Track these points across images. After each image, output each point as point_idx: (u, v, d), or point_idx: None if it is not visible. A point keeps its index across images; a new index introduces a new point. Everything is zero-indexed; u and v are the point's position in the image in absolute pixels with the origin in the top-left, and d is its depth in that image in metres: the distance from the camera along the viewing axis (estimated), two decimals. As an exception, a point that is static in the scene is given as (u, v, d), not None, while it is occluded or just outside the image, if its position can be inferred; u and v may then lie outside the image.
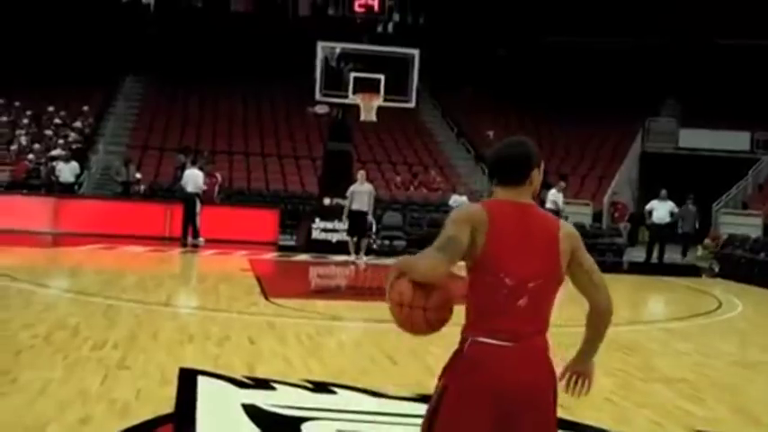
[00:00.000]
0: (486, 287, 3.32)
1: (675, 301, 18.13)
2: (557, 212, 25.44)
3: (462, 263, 3.38)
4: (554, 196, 23.76)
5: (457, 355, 3.35)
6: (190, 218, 21.86)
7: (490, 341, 3.28)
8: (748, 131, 34.28)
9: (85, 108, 30.39)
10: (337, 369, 8.24)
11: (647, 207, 25.30)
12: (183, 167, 23.33)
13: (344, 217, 20.39)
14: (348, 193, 19.92)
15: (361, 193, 19.82)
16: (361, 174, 20.67)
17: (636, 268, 23.21)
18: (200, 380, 7.50)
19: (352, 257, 20.15)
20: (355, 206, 19.73)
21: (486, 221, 3.33)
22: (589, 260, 3.55)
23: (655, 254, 24.57)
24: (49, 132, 28.45)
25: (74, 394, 6.80)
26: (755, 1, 35.95)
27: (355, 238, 20.24)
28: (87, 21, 35.81)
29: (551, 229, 3.45)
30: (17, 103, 30.27)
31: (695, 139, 34.22)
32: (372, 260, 20.91)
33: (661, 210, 24.69)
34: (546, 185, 29.22)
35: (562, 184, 24.67)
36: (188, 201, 21.85)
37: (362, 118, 24.20)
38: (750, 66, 36.41)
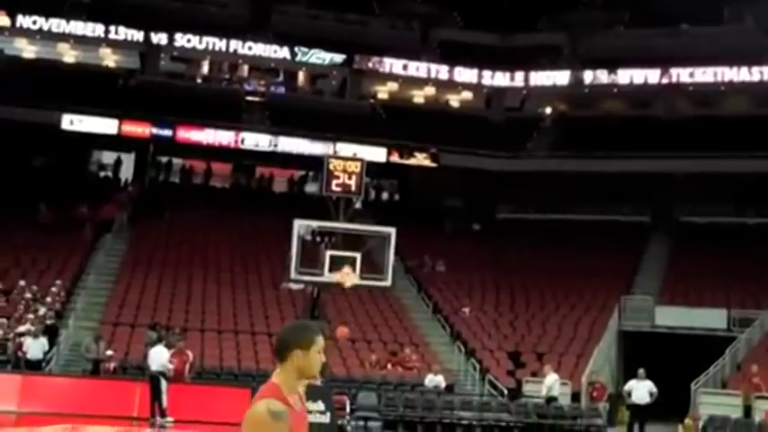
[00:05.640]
0: None
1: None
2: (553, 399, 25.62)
3: None
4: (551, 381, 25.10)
5: None
6: (155, 397, 21.33)
7: None
8: (725, 309, 34.25)
9: (58, 282, 30.12)
10: None
11: (626, 387, 25.16)
12: (153, 344, 22.93)
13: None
14: None
15: None
16: None
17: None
18: None
19: None
20: None
21: None
22: None
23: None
24: (19, 307, 28.06)
25: None
26: (720, 181, 37.03)
27: None
28: (64, 192, 36.04)
29: None
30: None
31: (671, 316, 34.09)
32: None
33: (640, 390, 24.54)
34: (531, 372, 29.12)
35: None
36: (153, 380, 21.37)
37: (340, 281, 24.02)
38: (722, 242, 36.84)
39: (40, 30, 39.89)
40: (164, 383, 21.31)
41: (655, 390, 24.62)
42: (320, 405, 18.24)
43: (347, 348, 29.16)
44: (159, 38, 41.03)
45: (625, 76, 41.82)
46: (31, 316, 27.34)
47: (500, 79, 43.97)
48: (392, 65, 43.09)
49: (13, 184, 35.42)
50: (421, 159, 41.95)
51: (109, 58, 42.91)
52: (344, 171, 25.43)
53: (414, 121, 41.94)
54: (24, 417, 21.43)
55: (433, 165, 41.84)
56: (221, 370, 26.92)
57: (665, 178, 40.10)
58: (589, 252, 37.24)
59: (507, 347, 31.61)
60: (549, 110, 45.49)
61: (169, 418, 21.22)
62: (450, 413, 24.75)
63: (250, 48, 41.89)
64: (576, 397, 28.87)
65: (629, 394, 24.81)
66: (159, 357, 21.67)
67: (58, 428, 19.38)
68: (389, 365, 28.76)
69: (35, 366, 24.27)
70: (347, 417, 22.77)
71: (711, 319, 33.89)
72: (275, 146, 41.02)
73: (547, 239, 38.32)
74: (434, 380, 26.26)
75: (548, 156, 42.04)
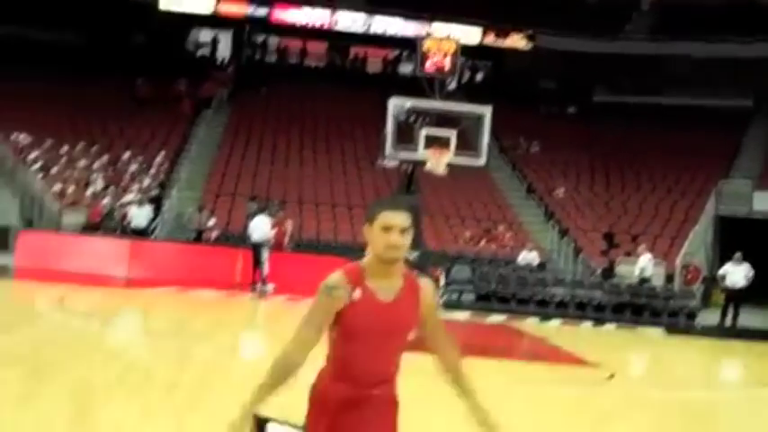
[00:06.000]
0: None
1: (752, 366, 17.69)
2: (646, 280, 25.71)
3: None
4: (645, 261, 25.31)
5: None
6: (257, 265, 21.99)
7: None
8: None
9: (162, 153, 31.01)
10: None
11: (721, 271, 24.85)
12: (253, 215, 23.51)
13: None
14: None
15: None
16: None
17: (710, 332, 22.74)
18: (270, 427, 7.46)
19: None
20: None
21: None
22: None
23: (729, 317, 24.13)
24: (125, 178, 28.98)
25: (147, 436, 6.86)
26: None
27: None
28: (162, 69, 36.59)
29: None
30: (95, 147, 30.91)
31: (770, 202, 33.48)
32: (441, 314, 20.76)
33: (735, 273, 24.20)
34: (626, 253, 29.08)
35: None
36: (255, 248, 21.99)
37: (430, 169, 24.29)
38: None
39: None
40: (265, 252, 21.91)
41: (751, 273, 24.33)
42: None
43: (441, 224, 29.49)
44: None
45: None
46: (136, 186, 28.24)
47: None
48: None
49: (113, 61, 36.03)
50: (516, 41, 41.40)
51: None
52: (439, 51, 25.36)
53: (510, 2, 41.26)
54: (133, 280, 22.34)
55: (529, 46, 41.33)
56: (318, 242, 27.46)
57: (767, 63, 38.97)
58: (687, 136, 36.65)
59: (601, 228, 31.54)
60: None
61: (270, 285, 21.88)
62: (543, 289, 24.96)
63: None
64: (669, 279, 28.81)
65: (724, 278, 24.47)
66: (261, 227, 22.23)
67: (165, 291, 20.12)
68: (483, 242, 29.02)
69: (140, 234, 25.14)
70: (441, 289, 23.19)
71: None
72: (369, 26, 40.87)
73: (644, 122, 37.80)
74: (528, 257, 26.47)
75: (646, 39, 41.16)
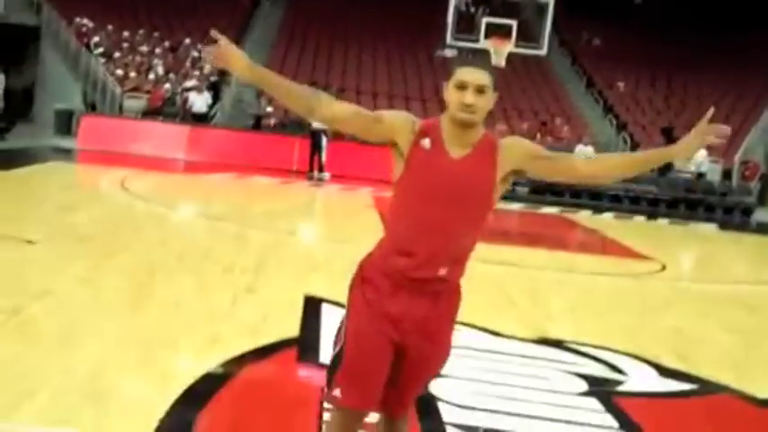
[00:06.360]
0: None
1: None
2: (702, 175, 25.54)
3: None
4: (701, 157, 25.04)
5: None
6: (316, 152, 22.22)
7: None
8: None
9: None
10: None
11: (780, 167, 24.74)
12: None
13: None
14: None
15: None
16: None
17: (764, 229, 22.64)
18: (324, 308, 7.74)
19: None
20: None
21: None
22: None
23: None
24: (186, 64, 29.20)
25: (204, 313, 7.14)
26: None
27: None
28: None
29: None
30: (156, 34, 31.11)
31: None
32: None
33: (794, 171, 24.14)
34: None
35: None
36: (314, 136, 22.18)
37: (492, 63, 24.09)
38: None
39: None
40: (324, 140, 22.11)
41: (812, 171, 24.21)
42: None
43: (498, 115, 29.39)
44: None
45: None
46: (196, 72, 28.46)
47: None
48: None
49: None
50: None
51: None
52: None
53: None
54: (191, 164, 22.73)
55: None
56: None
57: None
58: (754, 33, 35.83)
59: (660, 123, 31.23)
60: None
61: (326, 174, 22.14)
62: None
63: None
64: (727, 175, 28.61)
65: (783, 174, 24.45)
66: (322, 115, 22.37)
67: (223, 176, 20.44)
68: (539, 135, 28.91)
69: (200, 120, 25.48)
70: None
71: None
72: None
73: (712, 20, 36.95)
74: (584, 150, 26.20)
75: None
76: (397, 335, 3.39)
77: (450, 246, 3.37)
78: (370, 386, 3.42)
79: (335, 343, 3.50)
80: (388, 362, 3.42)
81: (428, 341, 3.44)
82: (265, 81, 3.38)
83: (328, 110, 3.39)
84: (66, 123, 25.82)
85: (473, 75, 3.32)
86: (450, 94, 3.33)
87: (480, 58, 3.48)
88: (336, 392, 3.42)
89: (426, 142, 3.34)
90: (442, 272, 3.36)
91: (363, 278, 3.44)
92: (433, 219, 3.32)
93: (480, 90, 3.31)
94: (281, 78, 3.39)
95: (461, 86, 3.30)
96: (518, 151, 3.42)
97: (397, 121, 3.38)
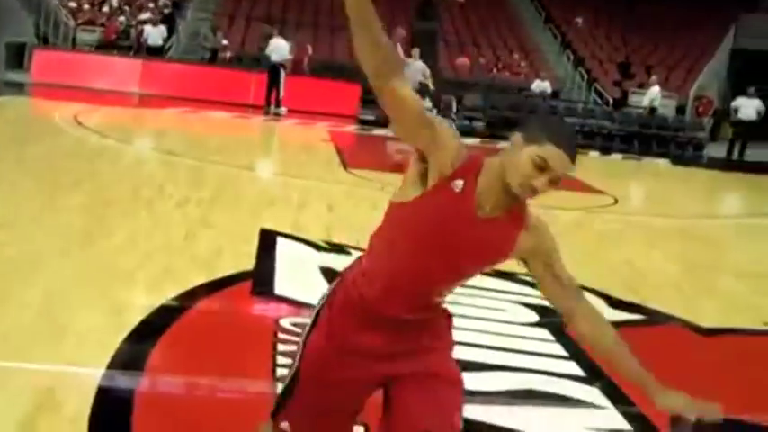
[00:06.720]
0: None
1: (754, 197, 17.95)
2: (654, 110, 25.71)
3: None
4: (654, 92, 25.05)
5: None
6: (273, 87, 22.10)
7: None
8: None
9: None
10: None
11: (733, 104, 24.92)
12: (269, 37, 23.41)
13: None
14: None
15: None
16: (415, 51, 21.08)
17: (715, 164, 22.94)
18: (280, 241, 7.77)
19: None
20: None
21: None
22: None
23: (736, 151, 24.34)
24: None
25: (159, 246, 7.16)
26: None
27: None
28: None
29: None
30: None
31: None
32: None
33: (747, 107, 24.35)
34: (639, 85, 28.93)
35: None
36: (272, 69, 22.04)
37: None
38: None
39: None
40: (282, 74, 22.00)
41: (763, 108, 24.40)
42: (427, 102, 18.92)
43: (455, 50, 29.33)
44: None
45: None
46: (151, 5, 28.06)
47: None
48: None
49: None
50: None
51: None
52: None
53: None
54: (145, 98, 22.50)
55: None
56: (332, 65, 27.41)
57: None
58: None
59: (617, 58, 31.37)
60: None
61: (283, 108, 22.05)
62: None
63: None
64: (681, 111, 28.86)
65: (736, 111, 24.60)
66: (280, 49, 22.24)
67: (178, 111, 20.29)
68: (496, 70, 28.93)
69: (155, 53, 25.15)
70: (453, 116, 23.37)
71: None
72: None
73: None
74: (541, 85, 26.42)
75: None
76: (366, 368, 2.86)
77: (431, 298, 2.84)
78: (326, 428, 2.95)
79: (292, 363, 2.96)
80: (355, 400, 2.94)
81: (413, 359, 2.86)
82: (365, 10, 2.54)
83: (396, 84, 2.63)
84: (17, 57, 25.38)
85: (562, 162, 2.63)
86: (521, 158, 2.64)
87: (573, 138, 2.75)
88: (285, 425, 2.93)
89: (459, 184, 2.69)
90: (417, 316, 2.84)
91: (332, 303, 2.93)
92: (426, 269, 2.76)
93: (556, 182, 2.66)
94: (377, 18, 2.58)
95: (541, 167, 2.62)
96: (539, 247, 2.86)
97: (447, 141, 2.69)
